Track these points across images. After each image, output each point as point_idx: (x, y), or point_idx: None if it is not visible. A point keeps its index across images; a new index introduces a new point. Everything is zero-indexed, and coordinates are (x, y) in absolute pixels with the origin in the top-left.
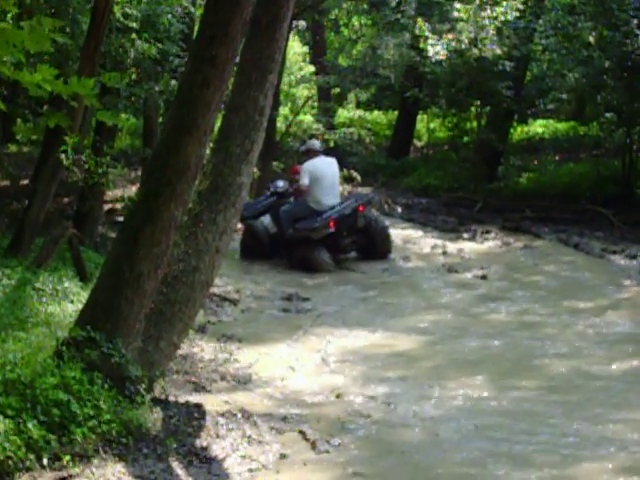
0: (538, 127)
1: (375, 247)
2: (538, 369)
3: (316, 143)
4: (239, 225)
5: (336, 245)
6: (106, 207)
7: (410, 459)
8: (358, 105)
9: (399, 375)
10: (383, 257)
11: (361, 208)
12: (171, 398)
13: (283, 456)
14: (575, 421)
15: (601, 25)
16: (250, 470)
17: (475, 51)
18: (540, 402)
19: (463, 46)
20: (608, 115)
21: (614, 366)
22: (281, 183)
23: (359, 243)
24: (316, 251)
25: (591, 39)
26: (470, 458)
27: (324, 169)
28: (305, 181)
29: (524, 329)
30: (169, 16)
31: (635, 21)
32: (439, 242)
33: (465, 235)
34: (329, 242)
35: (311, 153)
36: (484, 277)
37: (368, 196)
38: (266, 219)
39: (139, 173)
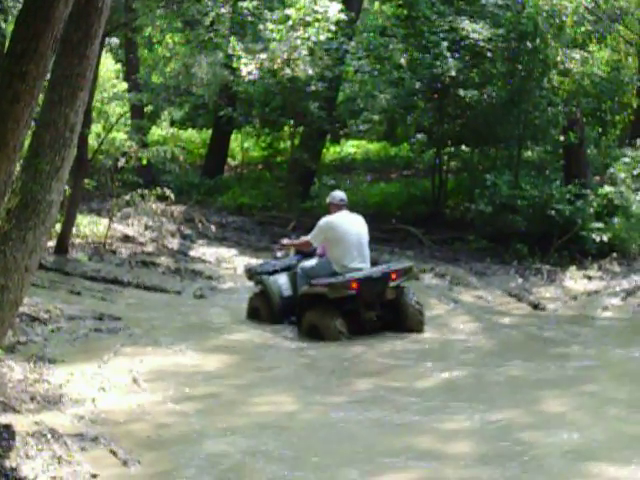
0: (350, 147)
1: (404, 326)
2: (346, 385)
3: (337, 195)
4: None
5: (356, 316)
6: None
7: (220, 471)
8: (172, 123)
9: (208, 392)
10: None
11: (394, 276)
12: None
13: (94, 476)
14: (384, 435)
15: (412, 47)
16: None
17: (288, 71)
18: (349, 417)
19: (276, 66)
20: (418, 136)
21: (421, 381)
22: None
23: (385, 319)
24: (329, 318)
25: (402, 61)
26: (272, 470)
27: (346, 227)
28: (312, 240)
29: (331, 346)
30: None
31: (445, 43)
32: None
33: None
34: (348, 310)
35: (332, 207)
36: None
37: (405, 265)
38: (282, 278)
39: None
